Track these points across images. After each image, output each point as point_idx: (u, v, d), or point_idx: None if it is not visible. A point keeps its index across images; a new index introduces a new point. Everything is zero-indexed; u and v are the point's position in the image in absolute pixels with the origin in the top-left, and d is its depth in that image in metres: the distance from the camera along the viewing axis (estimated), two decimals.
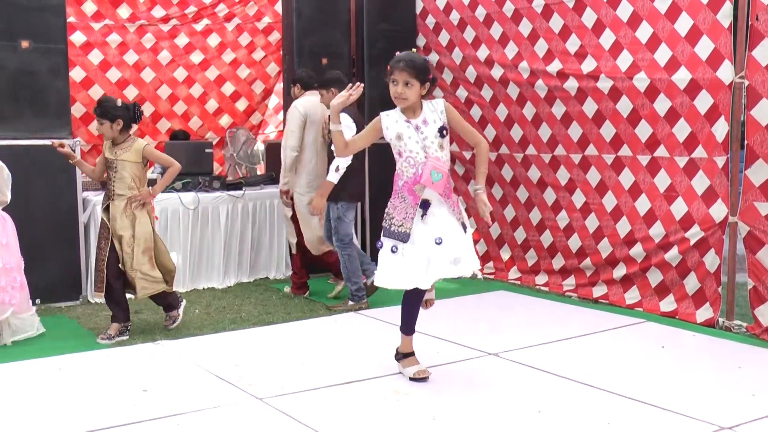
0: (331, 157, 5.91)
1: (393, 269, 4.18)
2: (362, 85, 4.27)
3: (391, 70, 4.16)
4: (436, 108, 4.25)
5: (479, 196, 4.24)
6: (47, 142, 6.12)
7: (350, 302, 6.10)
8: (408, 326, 4.42)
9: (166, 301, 5.50)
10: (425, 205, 4.17)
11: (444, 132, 4.22)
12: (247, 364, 4.55)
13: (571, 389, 4.14)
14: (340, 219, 6.00)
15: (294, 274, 6.69)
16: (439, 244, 4.12)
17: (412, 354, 4.43)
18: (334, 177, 5.78)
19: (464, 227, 4.27)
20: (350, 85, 4.30)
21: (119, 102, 5.26)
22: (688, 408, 3.80)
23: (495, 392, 4.10)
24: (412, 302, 4.36)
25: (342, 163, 5.71)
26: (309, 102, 6.32)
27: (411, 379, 4.30)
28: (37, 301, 6.06)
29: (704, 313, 5.59)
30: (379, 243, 4.27)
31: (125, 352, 4.89)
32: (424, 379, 4.29)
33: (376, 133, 4.29)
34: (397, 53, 4.23)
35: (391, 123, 4.21)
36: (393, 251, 4.17)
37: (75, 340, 5.21)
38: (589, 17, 6.25)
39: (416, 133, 4.17)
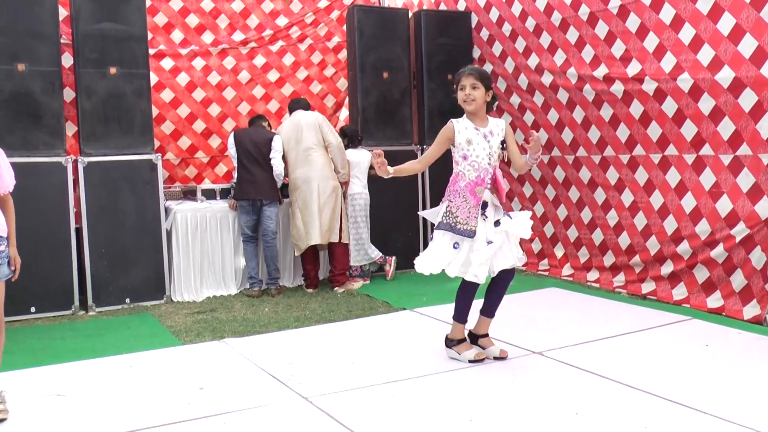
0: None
1: (455, 261, 4.06)
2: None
3: (457, 79, 4.14)
4: (499, 124, 4.21)
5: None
6: (133, 157, 6.10)
7: None
8: (462, 315, 4.28)
9: None
10: (484, 205, 4.10)
11: (504, 145, 4.17)
12: (300, 363, 4.31)
13: (611, 390, 3.71)
14: None
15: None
16: (489, 244, 4.06)
17: (465, 339, 4.30)
18: None
19: (504, 214, 4.18)
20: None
21: None
22: (729, 412, 3.32)
23: (534, 393, 3.71)
24: (468, 293, 4.24)
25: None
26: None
27: (470, 361, 4.19)
28: (127, 300, 6.04)
29: (751, 310, 5.04)
30: (432, 236, 4.16)
31: (193, 349, 4.72)
32: (481, 361, 4.18)
33: (449, 140, 4.16)
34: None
35: (462, 128, 4.13)
36: (455, 246, 4.07)
37: (152, 337, 5.09)
38: (632, 22, 5.77)
39: (484, 141, 4.10)
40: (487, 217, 4.10)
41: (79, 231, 5.93)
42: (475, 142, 4.09)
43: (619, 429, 3.20)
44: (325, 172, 6.42)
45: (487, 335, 4.37)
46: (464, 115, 4.18)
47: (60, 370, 4.32)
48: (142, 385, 4.00)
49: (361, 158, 6.79)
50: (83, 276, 5.91)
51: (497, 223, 4.12)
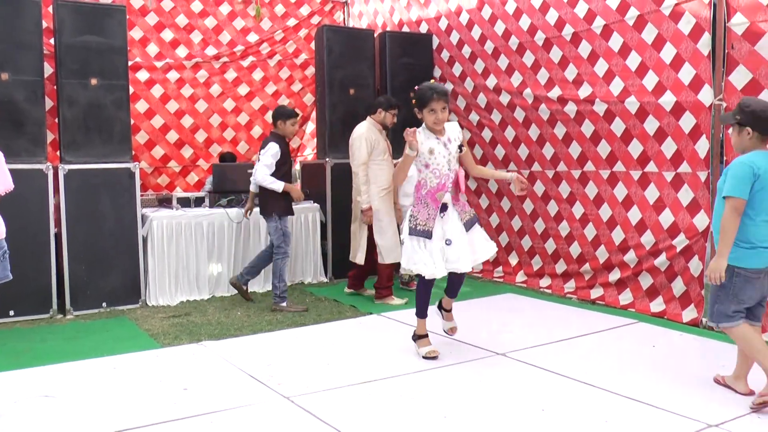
0: None
1: (418, 260, 4.20)
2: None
3: (427, 101, 4.15)
4: (454, 128, 4.31)
5: (516, 177, 4.41)
6: (112, 165, 6.00)
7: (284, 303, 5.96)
8: (421, 310, 4.41)
9: None
10: (443, 207, 4.23)
11: (462, 148, 4.28)
12: (278, 364, 4.31)
13: (572, 388, 3.83)
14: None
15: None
16: (448, 245, 4.20)
17: (425, 336, 4.44)
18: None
19: (474, 222, 4.36)
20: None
21: None
22: (678, 406, 3.49)
23: (502, 391, 3.80)
24: (424, 290, 4.37)
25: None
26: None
27: (423, 357, 4.33)
28: (104, 303, 5.94)
29: (689, 313, 5.25)
30: (402, 239, 4.34)
31: (172, 352, 4.68)
32: (434, 358, 4.31)
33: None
34: (422, 86, 4.24)
35: (423, 138, 4.19)
36: (420, 246, 4.19)
37: (131, 340, 5.02)
38: (584, 48, 5.95)
39: (444, 149, 4.20)
40: (445, 216, 4.24)
41: (58, 236, 5.81)
42: (437, 151, 4.21)
43: (582, 423, 3.32)
44: (355, 194, 6.19)
45: (450, 311, 4.63)
46: (423, 125, 4.26)
47: (44, 372, 4.23)
48: (127, 386, 3.95)
49: None
50: (61, 280, 5.79)
51: (448, 242, 4.22)
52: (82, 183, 5.86)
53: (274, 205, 5.89)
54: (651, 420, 3.35)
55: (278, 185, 5.81)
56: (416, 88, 4.28)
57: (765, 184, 3.40)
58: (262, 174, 5.83)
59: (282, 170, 5.90)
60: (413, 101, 4.26)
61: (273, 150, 5.86)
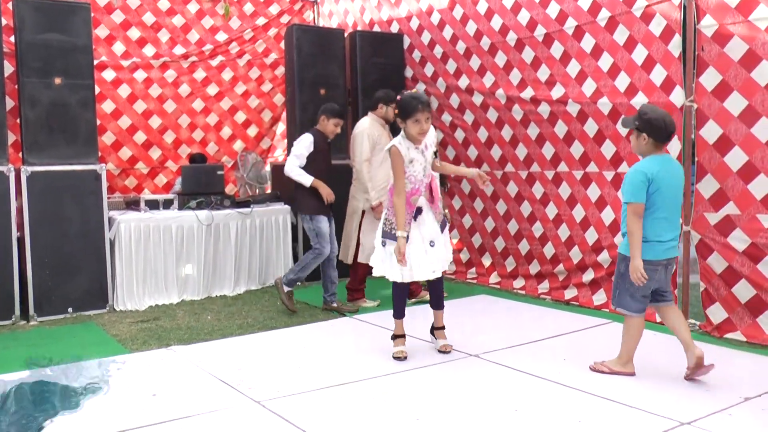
0: None
1: (394, 265, 4.27)
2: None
3: (412, 112, 4.17)
4: (430, 134, 4.34)
5: (477, 173, 4.39)
6: (78, 167, 5.92)
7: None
8: (398, 312, 4.50)
9: None
10: (418, 211, 4.31)
11: (437, 154, 4.43)
12: (248, 368, 4.28)
13: (546, 388, 3.85)
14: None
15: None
16: (432, 246, 4.29)
17: (401, 336, 4.52)
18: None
19: (445, 225, 4.46)
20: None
21: None
22: (650, 405, 3.53)
23: (475, 393, 3.81)
24: (400, 292, 4.48)
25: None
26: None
27: (393, 357, 4.41)
28: (69, 309, 5.85)
29: None
30: (383, 242, 4.34)
31: (141, 357, 4.62)
32: (399, 359, 4.38)
33: (404, 162, 4.24)
34: (404, 95, 4.26)
35: (405, 150, 4.24)
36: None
37: (99, 346, 4.94)
38: (556, 49, 6.01)
39: (421, 156, 4.27)
40: (424, 219, 4.33)
41: (20, 240, 5.71)
42: (416, 160, 4.27)
43: (556, 423, 3.34)
44: (353, 190, 6.10)
45: (441, 327, 4.62)
46: (401, 134, 4.29)
47: (5, 380, 4.14)
48: (94, 393, 3.89)
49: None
50: (24, 286, 5.69)
51: (432, 243, 4.32)
52: (46, 185, 5.76)
53: (306, 203, 5.77)
54: (624, 419, 3.39)
55: (306, 179, 5.66)
56: (398, 98, 4.31)
57: (659, 186, 3.78)
58: (291, 164, 5.69)
59: (313, 166, 5.73)
60: (395, 111, 4.29)
61: (306, 141, 5.71)
